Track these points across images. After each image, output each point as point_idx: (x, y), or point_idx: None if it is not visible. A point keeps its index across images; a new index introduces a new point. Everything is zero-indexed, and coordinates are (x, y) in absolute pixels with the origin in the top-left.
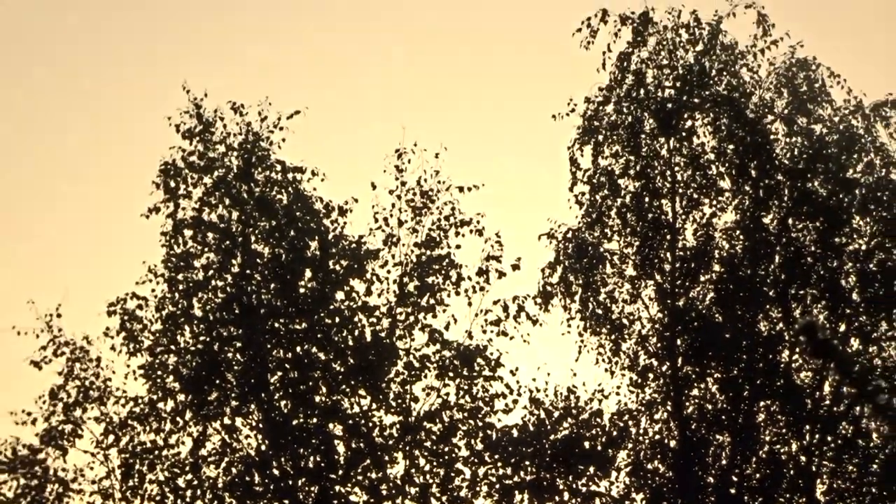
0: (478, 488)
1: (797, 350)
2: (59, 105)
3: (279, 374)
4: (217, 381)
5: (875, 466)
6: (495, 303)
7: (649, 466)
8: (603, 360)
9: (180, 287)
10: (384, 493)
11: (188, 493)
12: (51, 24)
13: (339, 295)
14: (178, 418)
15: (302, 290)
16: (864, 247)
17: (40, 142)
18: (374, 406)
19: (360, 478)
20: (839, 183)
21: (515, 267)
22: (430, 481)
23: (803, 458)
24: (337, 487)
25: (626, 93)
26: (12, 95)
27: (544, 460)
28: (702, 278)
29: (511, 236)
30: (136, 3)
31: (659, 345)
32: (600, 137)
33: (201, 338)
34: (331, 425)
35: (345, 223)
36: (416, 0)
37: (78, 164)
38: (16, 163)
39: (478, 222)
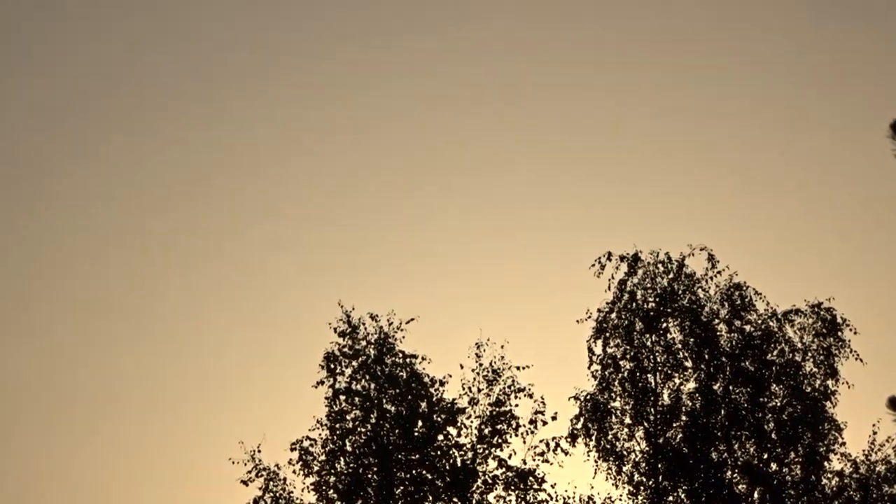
0: None
1: (737, 473)
2: (257, 312)
3: (401, 487)
4: (362, 493)
5: None
6: (541, 441)
7: None
8: (610, 478)
9: (338, 432)
10: None
11: None
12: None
13: (440, 437)
14: None
15: (416, 434)
16: (778, 404)
17: (239, 341)
18: None
19: None
20: (762, 363)
21: (554, 418)
22: None
23: None
24: None
25: (624, 305)
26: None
27: None
28: (674, 425)
29: (550, 397)
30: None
31: (647, 468)
32: (607, 334)
33: (351, 465)
34: None
35: (443, 390)
36: (486, 242)
37: (274, 351)
38: (229, 351)
39: (529, 389)
